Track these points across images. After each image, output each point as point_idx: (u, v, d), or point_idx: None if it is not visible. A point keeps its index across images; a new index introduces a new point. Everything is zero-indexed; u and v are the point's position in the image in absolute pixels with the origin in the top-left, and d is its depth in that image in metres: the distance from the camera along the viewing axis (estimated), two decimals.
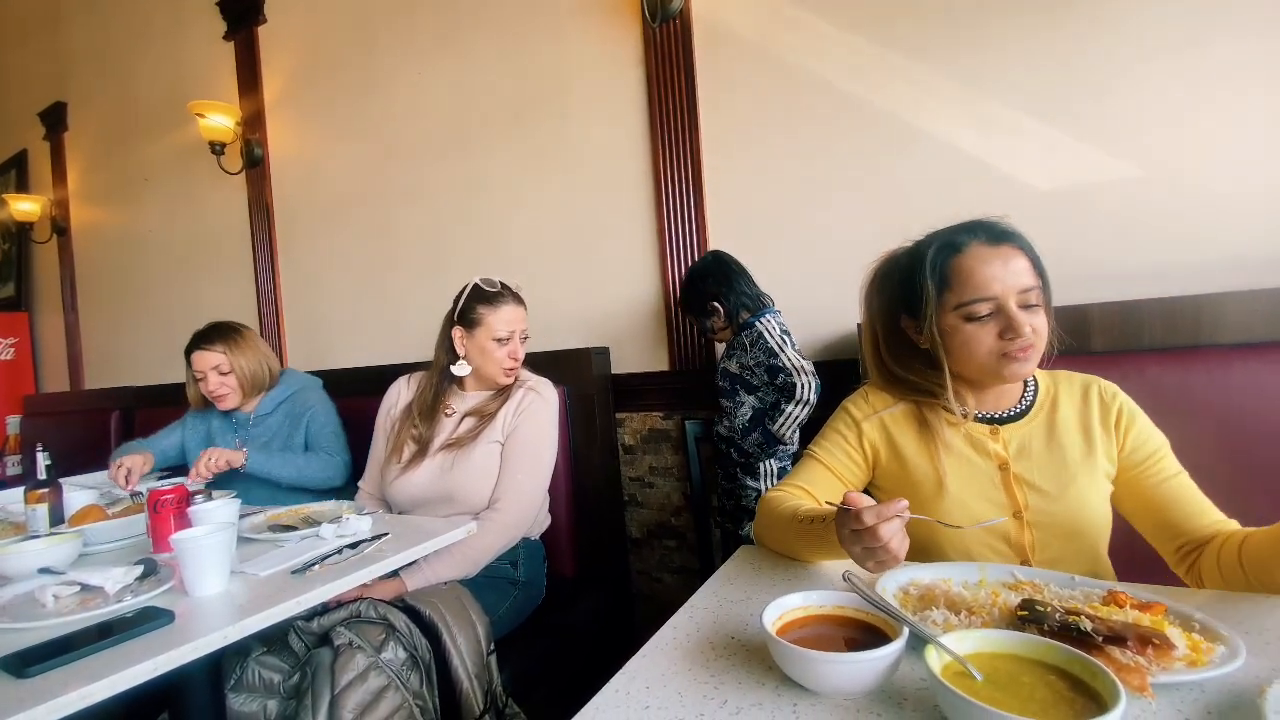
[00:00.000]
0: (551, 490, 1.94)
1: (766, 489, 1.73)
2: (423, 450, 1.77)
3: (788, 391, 1.69)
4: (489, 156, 2.49)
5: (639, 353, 2.22)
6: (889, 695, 0.66)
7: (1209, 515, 0.99)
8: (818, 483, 1.13)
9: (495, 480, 1.70)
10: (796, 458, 1.64)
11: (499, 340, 1.73)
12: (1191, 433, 1.12)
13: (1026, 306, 1.01)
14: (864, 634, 0.72)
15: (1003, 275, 1.01)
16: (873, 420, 1.15)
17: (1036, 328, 1.01)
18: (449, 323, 1.80)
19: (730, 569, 1.05)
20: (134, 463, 1.97)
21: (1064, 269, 1.34)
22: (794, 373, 1.68)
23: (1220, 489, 1.04)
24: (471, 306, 1.75)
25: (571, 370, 2.11)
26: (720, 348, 1.93)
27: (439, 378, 1.83)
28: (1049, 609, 0.68)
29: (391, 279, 2.81)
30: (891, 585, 0.87)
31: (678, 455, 2.18)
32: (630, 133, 2.19)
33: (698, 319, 1.90)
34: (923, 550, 1.08)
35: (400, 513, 1.78)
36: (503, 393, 1.79)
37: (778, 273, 1.93)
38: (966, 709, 0.54)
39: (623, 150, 2.21)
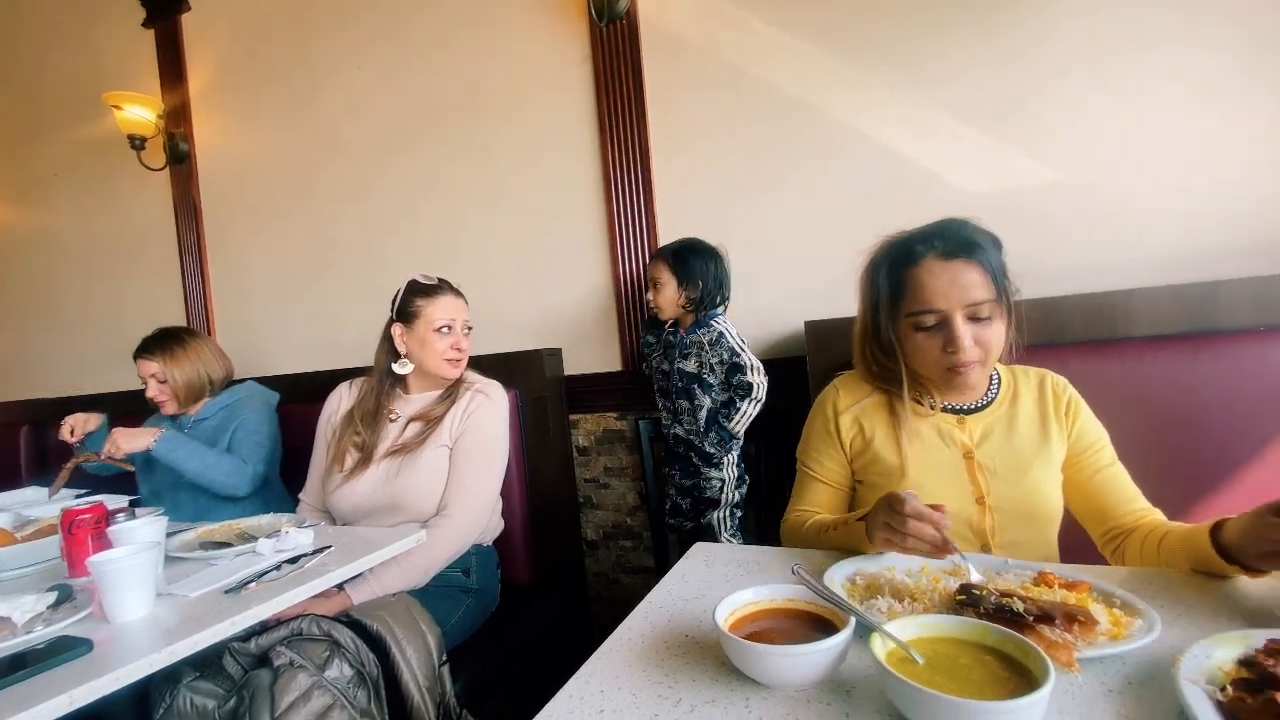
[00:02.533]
0: (505, 495, 1.91)
1: (730, 477, 1.79)
2: (366, 458, 1.71)
3: (743, 390, 1.72)
4: (434, 153, 2.43)
5: (591, 353, 2.21)
6: (838, 684, 0.67)
7: (1136, 504, 1.08)
8: (821, 501, 1.22)
9: (443, 486, 1.65)
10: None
11: (439, 331, 1.69)
12: (1110, 420, 1.20)
13: (977, 319, 1.04)
14: (814, 626, 0.73)
15: (949, 291, 1.03)
16: (846, 416, 1.20)
17: (984, 340, 1.04)
18: (389, 322, 1.76)
19: (683, 568, 1.06)
20: (78, 420, 1.96)
21: None
22: (753, 371, 1.72)
23: (1136, 472, 1.13)
24: (409, 301, 1.71)
25: (523, 373, 2.08)
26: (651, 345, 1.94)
27: (381, 381, 1.77)
28: (985, 592, 0.71)
29: (330, 281, 2.71)
30: (839, 576, 0.89)
31: (632, 455, 2.18)
32: (579, 131, 2.18)
33: (672, 278, 1.81)
34: None
35: (344, 524, 1.71)
36: (449, 396, 1.75)
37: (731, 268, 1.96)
38: (909, 692, 0.56)
39: (572, 149, 2.19)
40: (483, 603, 1.75)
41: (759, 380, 1.71)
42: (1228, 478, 1.34)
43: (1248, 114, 1.51)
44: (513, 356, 2.10)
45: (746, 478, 1.84)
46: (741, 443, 1.80)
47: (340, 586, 1.46)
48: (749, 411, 1.72)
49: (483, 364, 1.90)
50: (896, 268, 1.10)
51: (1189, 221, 1.56)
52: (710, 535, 1.83)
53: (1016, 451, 1.11)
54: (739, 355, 1.73)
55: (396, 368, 1.73)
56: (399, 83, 2.48)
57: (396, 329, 1.73)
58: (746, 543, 1.84)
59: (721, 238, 1.90)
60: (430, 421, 1.71)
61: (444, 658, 1.45)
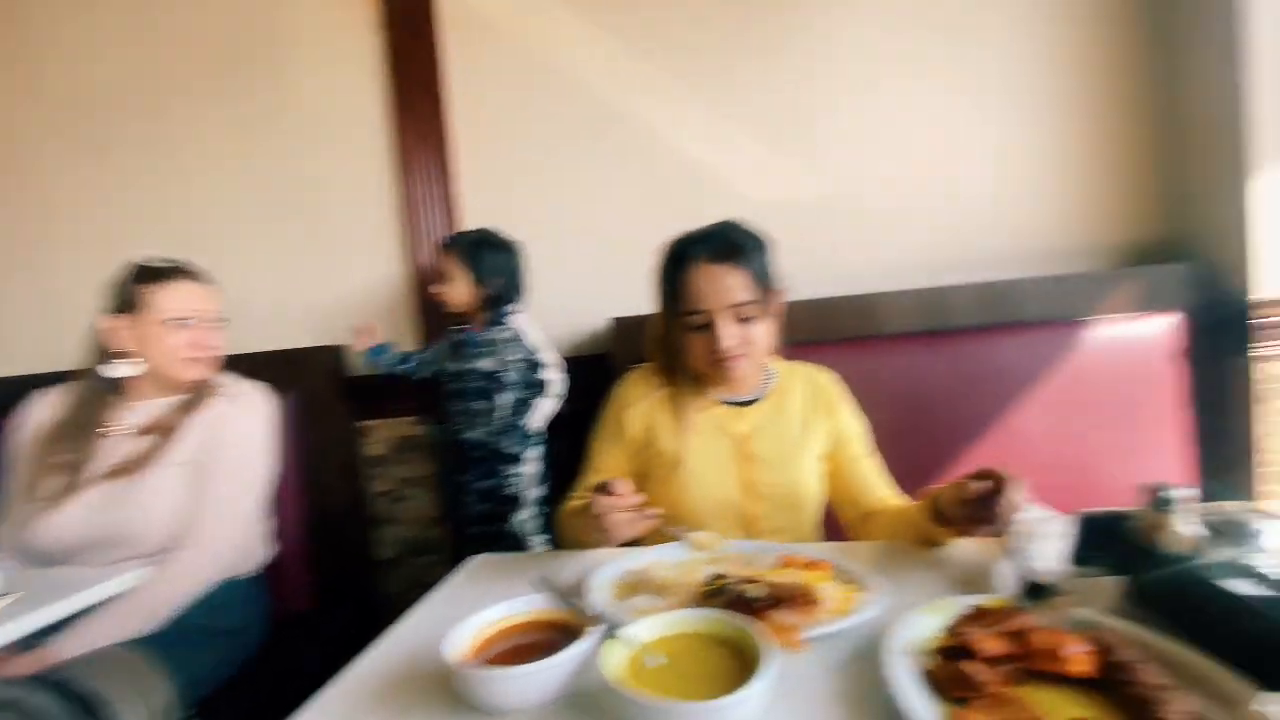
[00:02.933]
0: (278, 517, 1.65)
1: (532, 473, 1.73)
2: (74, 482, 1.37)
3: (539, 387, 1.66)
4: (185, 114, 2.04)
5: None
6: (582, 696, 0.62)
7: (882, 490, 1.21)
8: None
9: (177, 513, 1.37)
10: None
11: (171, 325, 1.41)
12: (868, 407, 1.33)
13: (742, 319, 1.11)
14: (564, 636, 0.68)
15: (713, 293, 1.10)
16: (633, 409, 1.24)
17: (749, 337, 1.12)
18: (105, 314, 1.43)
19: (453, 586, 0.96)
20: None
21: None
22: (550, 368, 1.68)
23: (888, 452, 1.28)
24: (130, 290, 1.40)
25: (298, 374, 1.82)
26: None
27: (93, 387, 1.43)
28: (729, 581, 0.71)
29: (47, 262, 2.17)
30: (610, 574, 0.86)
31: (432, 464, 2.01)
32: (368, 106, 1.96)
33: (466, 272, 1.67)
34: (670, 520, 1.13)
35: (47, 564, 1.36)
36: (190, 403, 1.46)
37: (531, 262, 1.88)
38: (618, 701, 0.53)
39: (360, 124, 1.97)
40: (241, 642, 1.48)
41: (558, 377, 1.67)
42: (962, 455, 1.56)
43: (980, 146, 1.77)
44: (285, 355, 1.83)
45: (549, 475, 1.78)
46: (542, 441, 1.74)
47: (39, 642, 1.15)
48: (547, 409, 1.67)
49: (245, 363, 1.62)
50: (672, 271, 1.16)
51: (930, 235, 1.80)
52: (516, 544, 1.74)
53: (784, 441, 1.19)
54: (536, 354, 1.67)
55: (107, 371, 1.40)
56: (142, 29, 2.05)
57: (113, 322, 1.40)
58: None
59: (525, 230, 1.82)
60: (162, 433, 1.41)
61: (187, 712, 1.21)
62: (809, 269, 1.79)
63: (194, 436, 1.42)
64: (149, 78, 2.05)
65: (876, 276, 1.77)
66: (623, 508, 0.88)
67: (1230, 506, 0.63)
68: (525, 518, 1.73)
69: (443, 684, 0.67)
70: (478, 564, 1.04)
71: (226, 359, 1.55)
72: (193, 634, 1.38)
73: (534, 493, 1.73)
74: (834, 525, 1.26)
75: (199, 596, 1.37)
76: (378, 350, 1.84)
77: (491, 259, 1.69)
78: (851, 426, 1.26)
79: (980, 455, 1.52)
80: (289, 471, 1.75)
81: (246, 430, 1.47)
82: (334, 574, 1.85)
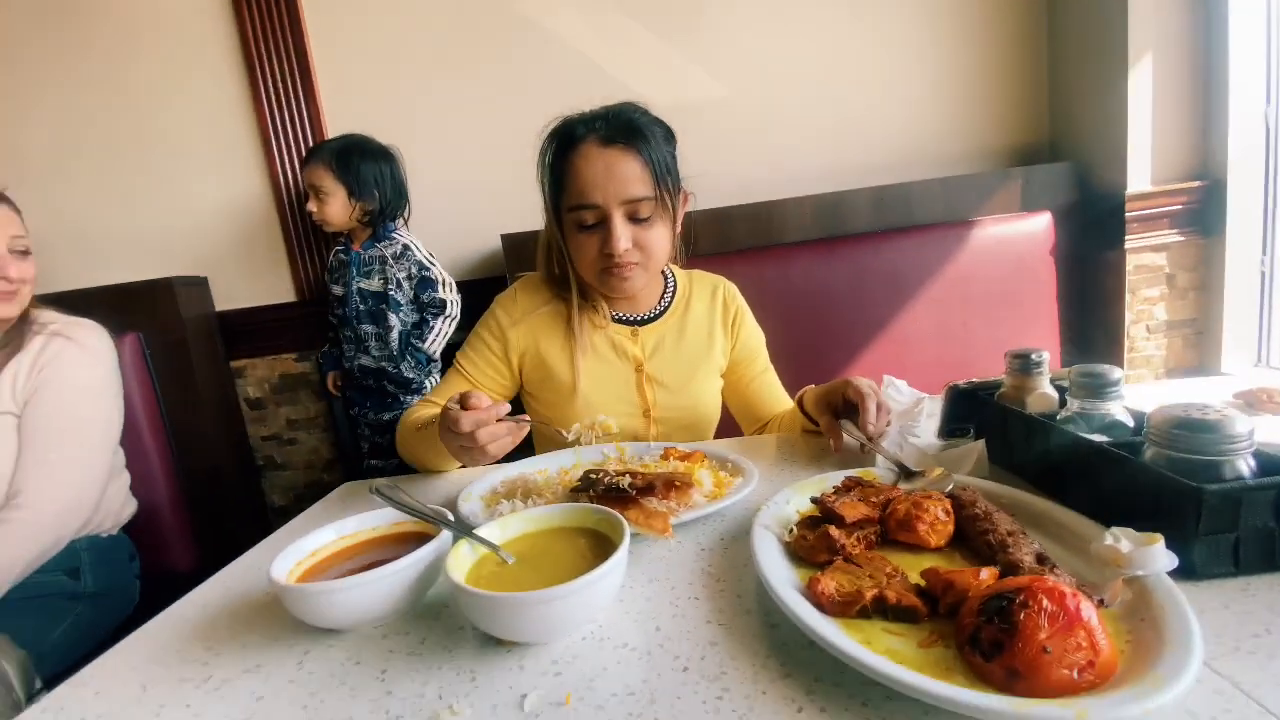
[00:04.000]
0: (138, 470, 1.48)
1: None
2: None
3: (436, 307, 1.56)
4: (11, 38, 1.69)
5: (253, 282, 1.80)
6: (430, 608, 0.57)
7: (781, 404, 1.16)
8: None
9: (8, 467, 1.19)
10: None
11: None
12: (766, 314, 1.29)
13: (636, 219, 0.95)
14: (415, 547, 0.62)
15: (605, 182, 0.92)
16: (520, 326, 1.07)
17: (644, 243, 0.96)
18: None
19: (311, 514, 0.88)
20: None
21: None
22: (444, 287, 1.57)
23: (785, 354, 1.24)
24: None
25: (148, 309, 1.61)
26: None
27: None
28: (600, 475, 0.67)
29: None
30: (482, 486, 0.80)
31: (320, 402, 1.86)
32: (207, 7, 1.68)
33: (339, 185, 1.53)
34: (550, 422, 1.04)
35: None
36: (7, 344, 1.25)
37: (412, 178, 1.71)
38: (465, 599, 0.48)
39: (198, 21, 1.69)
40: (106, 607, 1.34)
41: (452, 297, 1.57)
42: (859, 355, 1.58)
43: (870, 54, 1.72)
44: (130, 289, 1.61)
45: None
46: (440, 365, 1.64)
47: None
48: (444, 329, 1.57)
49: (80, 300, 1.41)
50: (558, 154, 0.98)
51: (824, 141, 1.76)
52: None
53: (684, 361, 1.09)
54: (429, 269, 1.55)
55: None
56: None
57: None
58: None
59: (400, 139, 1.64)
60: None
61: (39, 684, 1.09)
62: (711, 176, 1.72)
63: (15, 381, 1.22)
64: None
65: (775, 185, 1.73)
66: (487, 420, 0.73)
67: (1089, 366, 0.63)
68: None
69: (270, 610, 0.60)
70: (345, 490, 0.96)
71: (71, 295, 1.34)
72: (45, 600, 1.24)
73: None
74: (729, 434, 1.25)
75: (41, 559, 1.22)
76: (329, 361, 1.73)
77: (367, 168, 1.53)
78: (753, 340, 1.18)
79: (874, 354, 1.55)
80: (150, 418, 1.57)
81: (78, 371, 1.28)
82: (218, 528, 1.71)
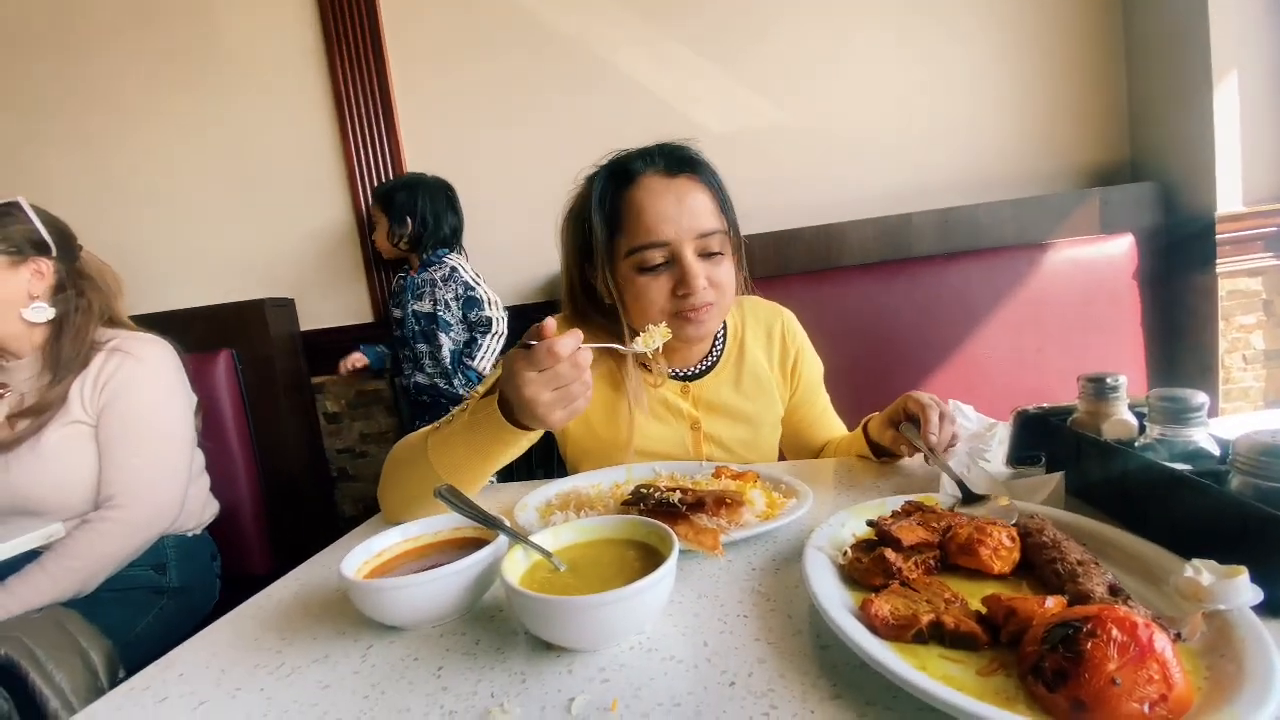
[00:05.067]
0: (227, 475, 1.60)
1: None
2: None
3: (483, 326, 1.65)
4: (100, 60, 1.92)
5: (335, 303, 1.93)
6: (484, 611, 0.59)
7: (834, 431, 1.11)
8: None
9: (86, 475, 1.30)
10: None
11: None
12: (827, 338, 1.27)
13: (707, 255, 0.88)
14: (473, 551, 0.64)
15: (677, 215, 0.86)
16: None
17: (717, 280, 0.89)
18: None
19: (374, 521, 0.92)
20: None
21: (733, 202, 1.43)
22: (490, 305, 1.65)
23: (846, 380, 1.22)
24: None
25: (240, 328, 1.75)
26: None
27: None
28: (651, 490, 0.68)
29: None
30: (537, 499, 0.82)
31: (392, 418, 1.96)
32: (301, 44, 1.85)
33: (384, 217, 1.71)
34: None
35: None
36: (74, 359, 1.36)
37: (475, 199, 1.81)
38: (519, 601, 0.49)
39: (294, 63, 1.86)
40: (188, 603, 1.44)
41: (498, 314, 1.66)
42: (925, 382, 1.53)
43: (941, 72, 1.70)
44: (225, 309, 1.75)
45: None
46: None
47: None
48: (492, 347, 1.66)
49: (184, 319, 1.56)
50: (612, 193, 0.91)
51: (888, 162, 1.74)
52: None
53: (744, 416, 1.02)
54: (474, 289, 1.65)
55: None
56: None
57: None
58: None
59: (472, 172, 1.75)
60: (43, 396, 1.31)
61: (122, 674, 1.17)
62: (769, 200, 1.73)
63: (84, 395, 1.32)
64: (60, 16, 1.92)
65: (837, 207, 1.72)
66: (576, 369, 0.64)
67: (1171, 390, 0.59)
68: None
69: (337, 607, 0.64)
70: None
71: (171, 315, 1.48)
72: (131, 594, 1.34)
73: None
74: None
75: (134, 556, 1.32)
76: (374, 355, 1.84)
77: (405, 201, 1.66)
78: (812, 380, 1.10)
79: (941, 380, 1.50)
80: (239, 428, 1.69)
81: (142, 382, 1.36)
82: (293, 534, 1.81)
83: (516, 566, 0.55)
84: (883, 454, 0.90)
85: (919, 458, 0.90)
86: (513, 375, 0.65)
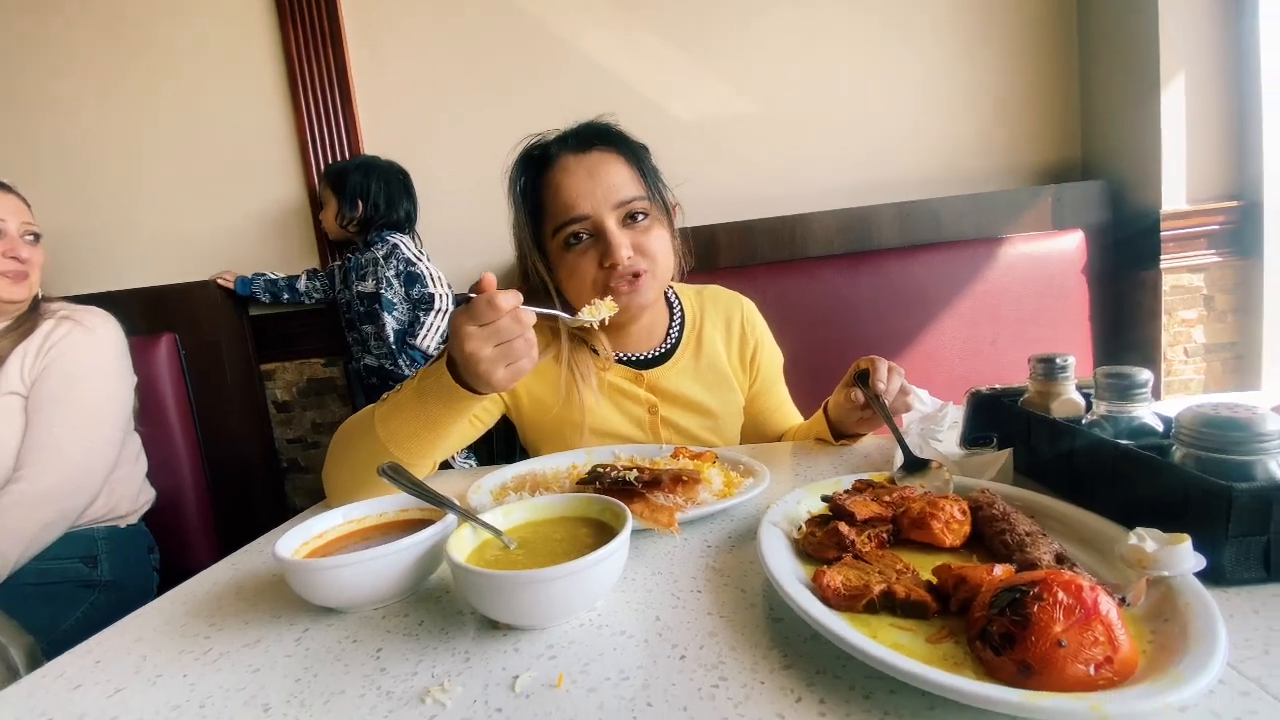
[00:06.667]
0: (169, 465, 1.52)
1: None
2: None
3: (425, 303, 1.61)
4: (46, 32, 1.80)
5: None
6: (432, 592, 0.56)
7: (791, 419, 1.11)
8: None
9: (10, 452, 1.23)
10: None
11: None
12: (789, 328, 1.27)
13: (632, 222, 0.88)
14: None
15: (591, 189, 0.85)
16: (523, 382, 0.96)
17: (646, 249, 0.88)
18: None
19: (319, 506, 0.88)
20: None
21: (698, 192, 1.43)
22: (432, 281, 1.62)
23: (806, 369, 1.22)
24: None
25: (184, 310, 1.67)
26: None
27: None
28: (607, 469, 0.66)
29: None
30: (492, 481, 0.79)
31: (346, 406, 1.89)
32: (255, 19, 1.77)
33: (333, 197, 1.67)
34: None
35: None
36: (18, 327, 1.29)
37: (434, 182, 1.77)
38: (464, 577, 0.47)
39: (245, 39, 1.78)
40: (122, 598, 1.36)
41: (441, 290, 1.62)
42: None
43: (903, 71, 1.73)
44: (168, 291, 1.67)
45: None
46: None
47: None
48: (436, 325, 1.62)
49: (126, 300, 1.48)
50: (533, 179, 0.92)
51: (851, 156, 1.76)
52: None
53: (703, 405, 1.00)
54: (415, 265, 1.62)
55: None
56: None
57: None
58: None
59: (428, 152, 1.71)
60: None
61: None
62: (735, 190, 1.74)
63: (24, 363, 1.26)
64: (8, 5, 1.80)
65: (800, 199, 1.73)
66: (518, 325, 0.63)
67: (1117, 367, 0.60)
68: None
69: (273, 590, 0.61)
70: None
71: (112, 295, 1.40)
72: (60, 586, 1.27)
73: None
74: None
75: (45, 537, 1.24)
76: (244, 282, 1.75)
77: (358, 184, 1.63)
78: (771, 371, 1.10)
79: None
80: (181, 416, 1.62)
81: (86, 352, 1.31)
82: (241, 528, 1.74)
83: (464, 544, 0.53)
84: (841, 436, 0.90)
85: (877, 441, 0.91)
86: (455, 331, 0.65)
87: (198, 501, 1.65)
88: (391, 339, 1.60)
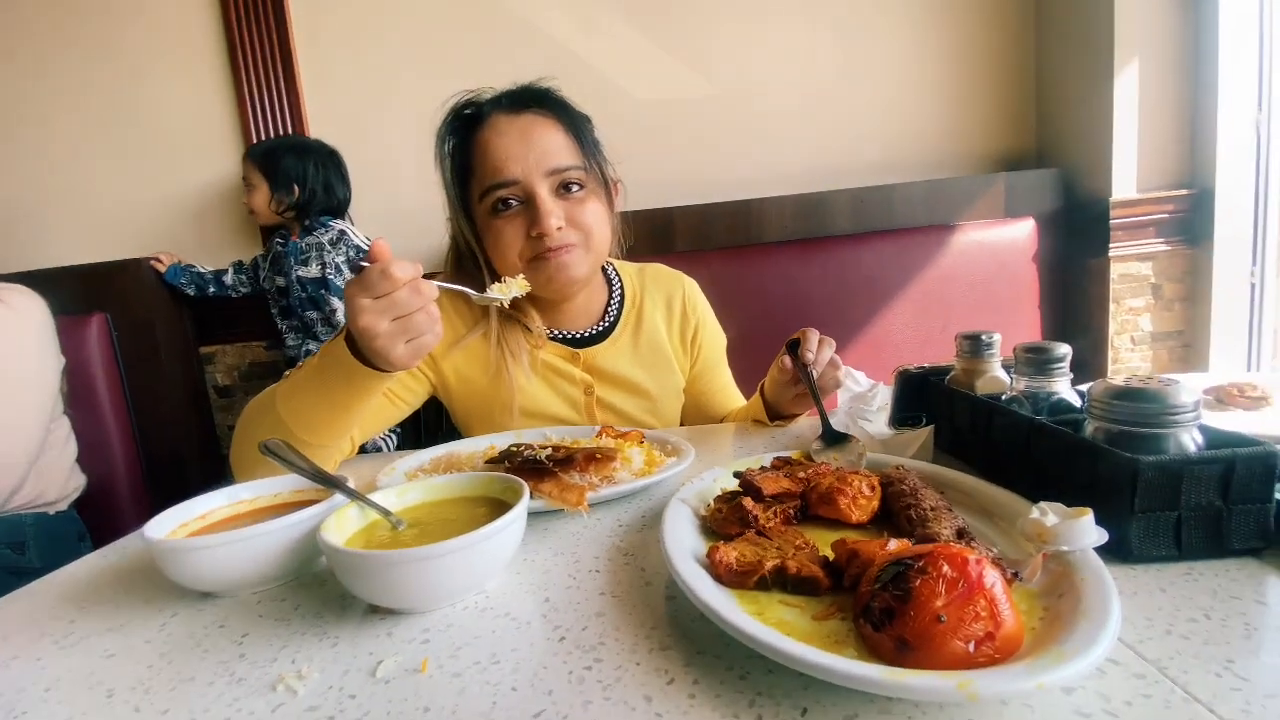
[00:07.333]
0: (101, 450, 1.46)
1: None
2: None
3: None
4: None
5: (225, 265, 1.77)
6: (316, 578, 0.53)
7: (733, 402, 1.08)
8: None
9: None
10: None
11: None
12: (740, 313, 1.25)
13: (565, 193, 0.84)
14: None
15: (524, 152, 0.81)
16: (450, 359, 0.92)
17: (579, 221, 0.84)
18: None
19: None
20: None
21: (656, 175, 1.39)
22: None
23: (757, 354, 1.19)
24: None
25: (116, 289, 1.59)
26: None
27: None
28: (521, 449, 0.63)
29: None
30: (408, 464, 0.76)
31: None
32: None
33: (264, 180, 1.58)
34: None
35: None
36: None
37: (381, 160, 1.72)
38: (336, 558, 0.44)
39: (183, 17, 1.70)
40: None
41: None
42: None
43: (860, 57, 1.71)
44: (100, 269, 1.59)
45: None
46: None
47: None
48: None
49: (55, 278, 1.40)
50: (462, 137, 0.87)
51: (807, 142, 1.74)
52: None
53: (641, 388, 0.97)
54: (365, 251, 1.56)
55: None
56: None
57: None
58: None
59: (375, 129, 1.65)
60: None
61: None
62: (693, 173, 1.71)
63: None
64: None
65: (756, 183, 1.71)
66: (418, 297, 0.59)
67: (1035, 342, 0.59)
68: (387, 435, 1.61)
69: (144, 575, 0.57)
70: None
71: (40, 274, 1.33)
72: None
73: None
74: None
75: None
76: (174, 271, 1.67)
77: (294, 167, 1.56)
78: (713, 353, 1.07)
79: (852, 356, 1.51)
80: (114, 400, 1.55)
81: (3, 335, 1.25)
82: None
83: (345, 525, 0.50)
84: (777, 416, 0.88)
85: (812, 421, 0.90)
86: (348, 303, 0.60)
87: (131, 488, 1.59)
88: (342, 323, 1.55)
